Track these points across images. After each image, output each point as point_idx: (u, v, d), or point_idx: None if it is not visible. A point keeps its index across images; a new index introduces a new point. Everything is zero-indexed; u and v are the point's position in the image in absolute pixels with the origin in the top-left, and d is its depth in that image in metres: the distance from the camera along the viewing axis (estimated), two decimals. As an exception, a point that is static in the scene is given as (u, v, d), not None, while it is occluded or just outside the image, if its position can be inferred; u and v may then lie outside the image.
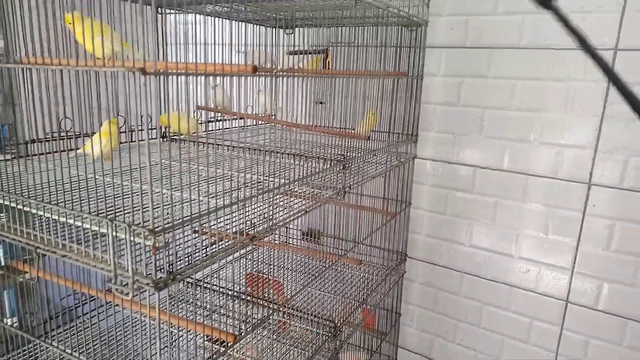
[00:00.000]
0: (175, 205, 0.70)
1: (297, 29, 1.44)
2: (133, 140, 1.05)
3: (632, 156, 1.21)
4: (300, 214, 0.83)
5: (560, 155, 1.31)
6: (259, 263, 1.51)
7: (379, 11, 1.10)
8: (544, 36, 1.27)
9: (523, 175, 1.37)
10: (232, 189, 0.80)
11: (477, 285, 1.51)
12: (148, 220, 0.58)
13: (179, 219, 0.61)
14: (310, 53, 0.95)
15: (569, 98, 1.27)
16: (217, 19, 1.19)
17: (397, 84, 1.37)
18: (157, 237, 0.57)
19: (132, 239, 0.57)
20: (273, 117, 1.19)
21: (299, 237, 1.74)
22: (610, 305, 1.30)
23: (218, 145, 1.08)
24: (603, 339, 1.32)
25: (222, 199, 0.74)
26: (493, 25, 1.34)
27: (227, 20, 1.24)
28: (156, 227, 0.57)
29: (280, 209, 0.85)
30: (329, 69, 0.93)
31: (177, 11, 1.07)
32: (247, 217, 0.76)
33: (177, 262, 0.61)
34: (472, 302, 1.53)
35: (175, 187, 0.79)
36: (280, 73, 0.81)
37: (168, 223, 0.60)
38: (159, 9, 1.08)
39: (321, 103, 1.46)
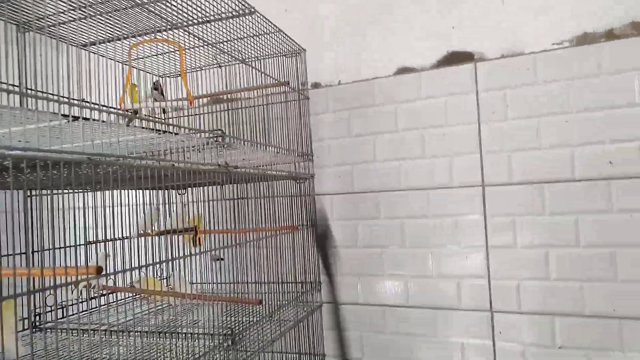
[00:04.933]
0: None
1: (188, 189, 1.46)
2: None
3: (519, 281, 1.27)
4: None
5: (461, 285, 1.34)
6: None
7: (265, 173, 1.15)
8: (418, 180, 1.39)
9: (427, 310, 1.37)
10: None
11: None
12: None
13: None
14: (179, 232, 0.95)
15: (454, 228, 1.35)
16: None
17: (293, 234, 1.38)
18: None
19: None
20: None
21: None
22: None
23: (89, 330, 0.98)
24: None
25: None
26: (376, 171, 1.44)
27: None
28: None
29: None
30: (199, 244, 0.92)
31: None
32: None
33: None
34: None
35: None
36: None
37: None
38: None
39: (220, 259, 1.42)
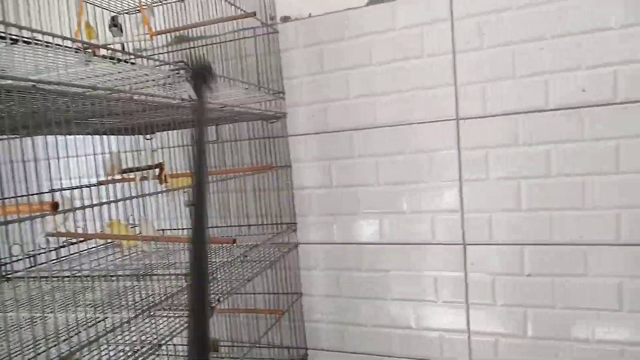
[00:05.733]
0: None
1: (157, 134, 1.40)
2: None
3: (492, 213, 1.29)
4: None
5: (435, 221, 1.36)
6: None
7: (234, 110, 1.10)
8: (393, 116, 1.36)
9: (401, 246, 1.39)
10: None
11: (385, 366, 1.46)
12: None
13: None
14: (143, 169, 0.91)
15: (428, 164, 1.34)
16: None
17: (267, 175, 1.35)
18: None
19: None
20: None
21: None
22: None
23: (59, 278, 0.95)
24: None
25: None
26: (350, 109, 1.41)
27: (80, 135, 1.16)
28: None
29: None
30: (165, 182, 0.89)
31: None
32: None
33: None
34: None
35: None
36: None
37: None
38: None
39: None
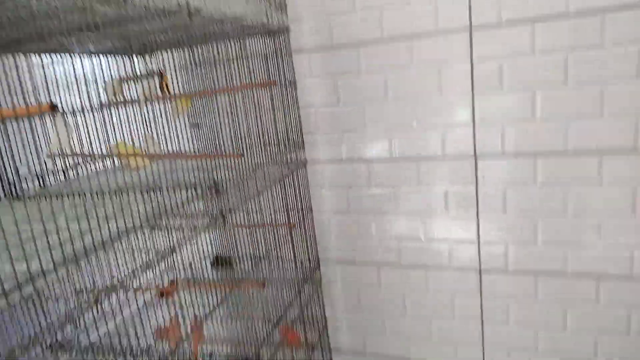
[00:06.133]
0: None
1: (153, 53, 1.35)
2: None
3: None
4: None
5: (445, 135, 1.33)
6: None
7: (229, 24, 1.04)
8: (401, 28, 1.28)
9: (414, 163, 1.38)
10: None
11: (394, 274, 1.49)
12: None
13: None
14: (144, 77, 0.87)
15: (439, 76, 1.29)
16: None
17: (272, 93, 1.31)
18: None
19: None
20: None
21: (207, 269, 1.62)
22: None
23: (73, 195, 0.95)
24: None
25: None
26: (355, 22, 1.33)
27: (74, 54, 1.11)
28: None
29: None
30: (167, 92, 0.85)
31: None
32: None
33: None
34: (393, 292, 1.51)
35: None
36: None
37: None
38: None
39: (196, 125, 1.37)
